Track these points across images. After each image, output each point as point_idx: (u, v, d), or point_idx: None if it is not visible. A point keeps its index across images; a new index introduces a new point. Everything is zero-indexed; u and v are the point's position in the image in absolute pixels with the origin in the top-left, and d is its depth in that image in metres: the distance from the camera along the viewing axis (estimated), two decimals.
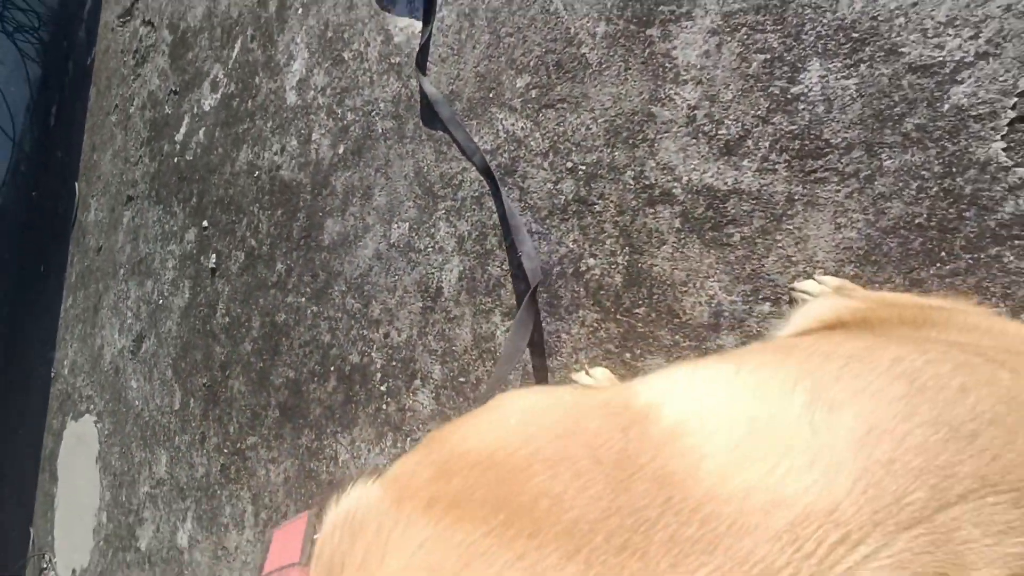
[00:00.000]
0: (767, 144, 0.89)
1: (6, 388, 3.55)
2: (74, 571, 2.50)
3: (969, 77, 0.73)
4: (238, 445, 1.71)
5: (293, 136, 1.72)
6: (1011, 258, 0.71)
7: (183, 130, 2.27)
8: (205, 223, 2.03)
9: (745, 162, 0.91)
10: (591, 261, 1.05)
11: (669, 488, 0.33)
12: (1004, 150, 0.71)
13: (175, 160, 2.27)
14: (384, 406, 1.33)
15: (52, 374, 3.00)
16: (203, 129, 2.15)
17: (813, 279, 0.85)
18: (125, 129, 2.73)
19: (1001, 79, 0.71)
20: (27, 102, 3.89)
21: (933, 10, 0.76)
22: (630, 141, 1.03)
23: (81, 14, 3.64)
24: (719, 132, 0.94)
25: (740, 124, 0.92)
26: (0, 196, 3.90)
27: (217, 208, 1.98)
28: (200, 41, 2.30)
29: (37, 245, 3.42)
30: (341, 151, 1.56)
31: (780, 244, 0.88)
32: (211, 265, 1.95)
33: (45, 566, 2.78)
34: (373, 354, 1.38)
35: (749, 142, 0.91)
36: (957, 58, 0.74)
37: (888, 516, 0.30)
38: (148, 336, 2.24)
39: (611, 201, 1.04)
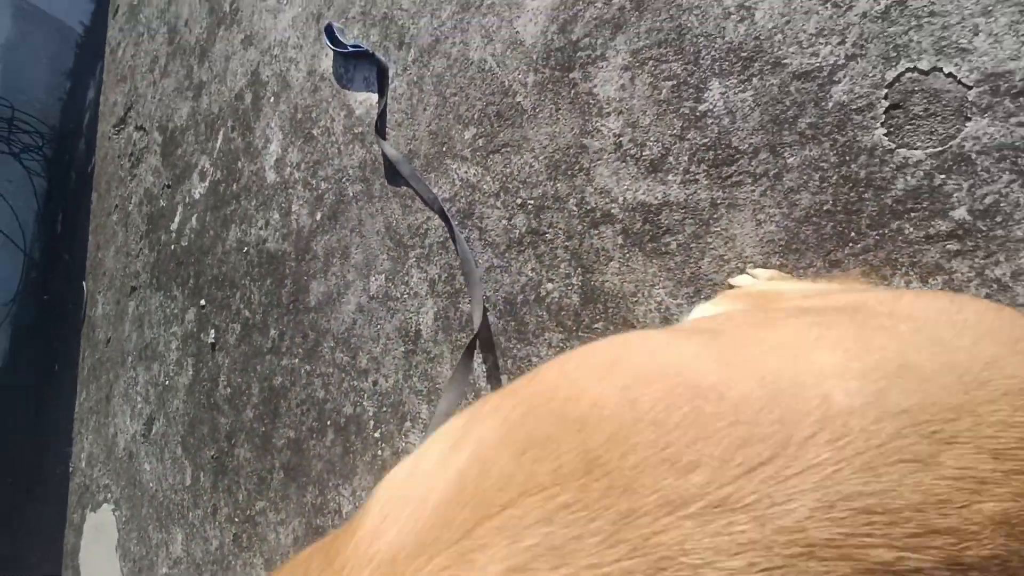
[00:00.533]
0: (686, 158, 0.94)
1: (27, 492, 3.49)
2: None
3: (844, 77, 0.79)
4: (248, 512, 1.68)
5: (275, 210, 1.78)
6: (911, 229, 0.75)
7: (177, 219, 2.34)
8: (203, 302, 2.06)
9: (670, 176, 0.96)
10: (549, 286, 1.09)
11: None
12: (886, 135, 0.76)
13: (172, 247, 2.33)
14: (379, 452, 1.33)
15: (70, 469, 2.96)
16: (195, 215, 2.22)
17: (746, 273, 0.88)
18: (125, 226, 2.81)
19: (871, 75, 0.77)
20: (35, 213, 4.00)
21: (804, 24, 0.83)
22: (569, 172, 1.09)
23: (80, 128, 3.81)
24: (644, 153, 0.99)
25: (660, 144, 0.97)
26: (15, 305, 3.95)
27: (212, 286, 2.02)
28: (187, 137, 2.41)
29: (50, 345, 3.44)
30: (319, 217, 1.61)
31: (712, 246, 0.91)
32: (211, 340, 1.97)
33: None
34: (365, 403, 1.39)
35: (671, 158, 0.96)
36: (831, 62, 0.80)
37: None
38: (158, 418, 2.24)
39: (560, 228, 1.08)
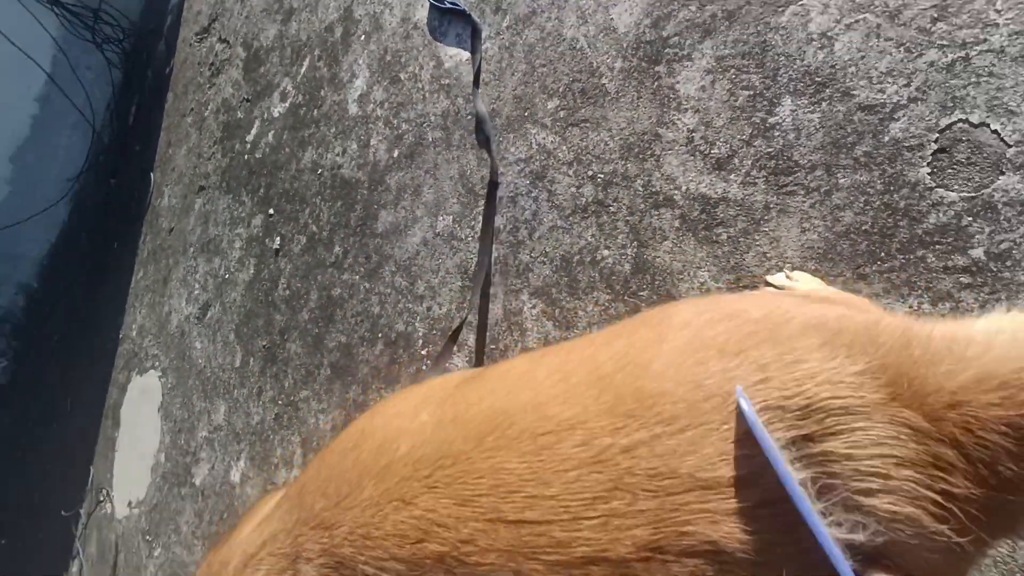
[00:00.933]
0: (749, 162, 1.03)
1: (77, 350, 3.72)
2: (130, 503, 2.64)
3: (903, 116, 0.88)
4: (291, 397, 1.85)
5: (354, 141, 1.88)
6: (932, 259, 0.85)
7: (254, 132, 2.44)
8: (271, 211, 2.18)
9: (732, 176, 1.05)
10: (605, 252, 1.20)
11: None
12: (929, 174, 0.86)
13: (245, 157, 2.44)
14: (424, 367, 1.47)
15: (120, 336, 3.16)
16: (272, 132, 2.31)
17: (783, 273, 0.99)
18: (200, 129, 2.91)
19: (927, 119, 0.86)
20: (109, 103, 4.09)
21: (876, 62, 0.91)
22: (640, 156, 1.18)
23: (161, 30, 3.84)
24: (712, 151, 1.08)
25: (728, 145, 1.07)
26: (80, 181, 4.10)
27: (282, 199, 2.14)
28: (271, 58, 2.47)
29: (112, 225, 3.60)
30: (396, 155, 1.71)
31: (758, 243, 1.02)
32: (275, 246, 2.10)
33: (102, 499, 2.92)
34: (416, 324, 1.52)
35: (735, 160, 1.05)
36: (894, 101, 0.89)
37: None
38: (214, 305, 2.40)
39: (623, 203, 1.19)
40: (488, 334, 1.36)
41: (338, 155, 1.93)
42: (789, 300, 0.51)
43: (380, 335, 1.61)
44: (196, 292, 2.55)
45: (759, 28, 1.06)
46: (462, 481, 0.42)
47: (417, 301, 1.54)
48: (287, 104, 2.28)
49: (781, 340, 0.39)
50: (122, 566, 2.59)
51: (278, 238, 2.10)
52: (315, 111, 2.10)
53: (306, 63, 2.24)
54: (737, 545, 0.33)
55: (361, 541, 0.46)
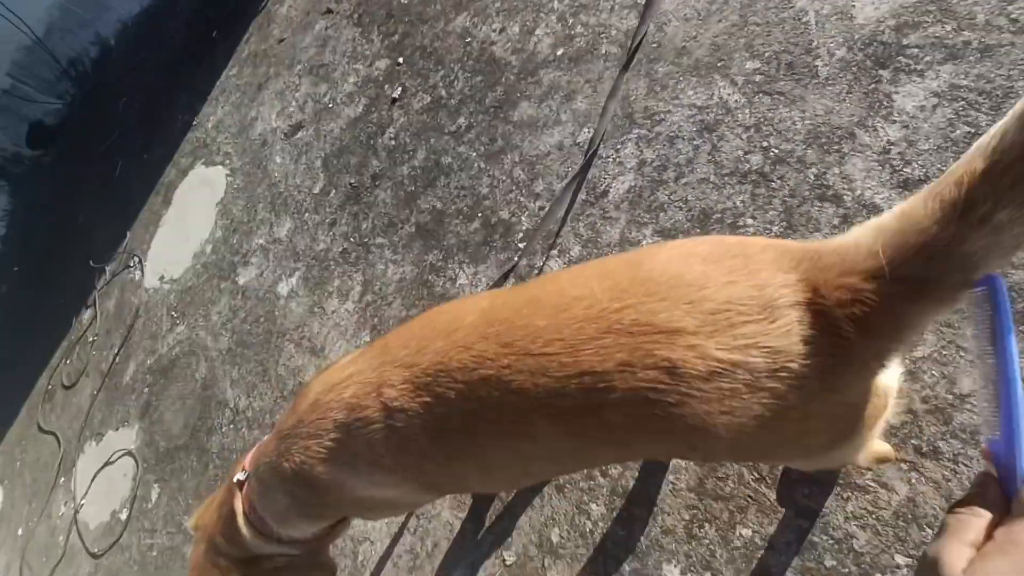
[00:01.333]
0: None
1: (138, 119, 3.63)
2: (162, 277, 2.67)
3: None
4: (366, 240, 1.85)
5: (517, 24, 1.78)
6: None
7: None
8: (400, 60, 2.09)
9: None
10: (749, 220, 1.17)
11: None
12: None
13: None
14: (514, 258, 1.47)
15: (194, 123, 3.08)
16: None
17: None
18: None
19: None
20: None
21: None
22: (825, 147, 1.14)
23: None
24: (904, 170, 1.05)
25: (924, 170, 1.03)
26: None
27: (417, 52, 2.04)
28: None
29: (218, 14, 3.42)
30: (559, 53, 1.63)
31: None
32: (393, 95, 2.02)
33: (132, 264, 2.95)
34: (522, 217, 1.50)
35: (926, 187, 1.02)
36: None
37: None
38: (307, 127, 2.33)
39: (787, 184, 1.15)
40: (595, 252, 1.35)
41: (495, 31, 1.82)
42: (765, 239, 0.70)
43: (480, 215, 1.59)
44: (291, 110, 2.47)
45: (1011, 72, 1.00)
46: (505, 333, 0.61)
47: (531, 197, 1.51)
48: None
49: (749, 255, 0.55)
50: (139, 330, 2.65)
51: (399, 88, 2.02)
52: None
53: None
54: (685, 364, 0.51)
55: (435, 371, 0.65)
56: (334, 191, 2.06)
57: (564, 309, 0.59)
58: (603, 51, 1.54)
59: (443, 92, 1.87)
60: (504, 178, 1.58)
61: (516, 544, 1.22)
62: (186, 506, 1.97)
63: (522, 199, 1.52)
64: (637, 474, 1.13)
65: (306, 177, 2.21)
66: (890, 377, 0.62)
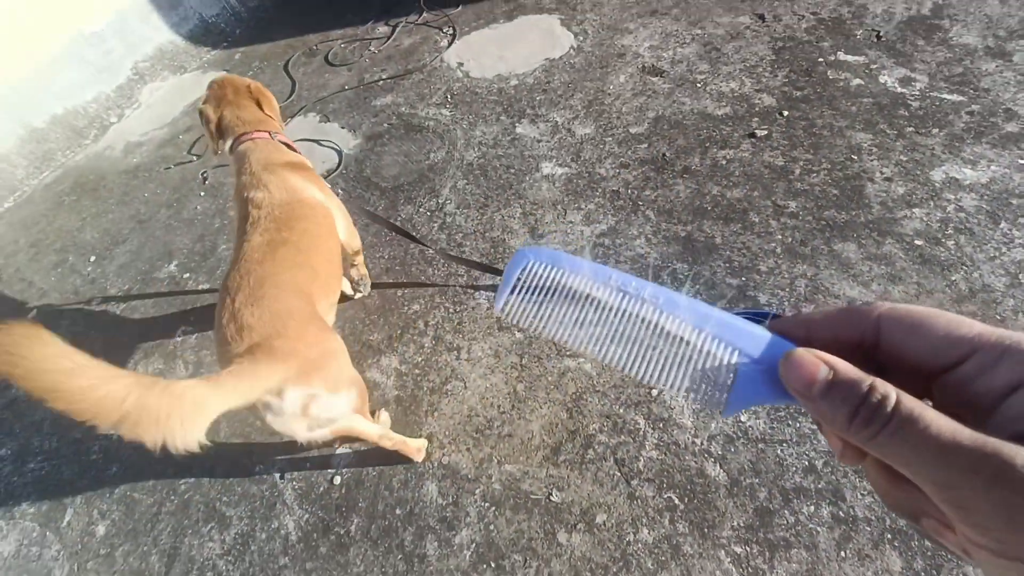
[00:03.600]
0: None
1: None
2: (461, 64, 2.93)
3: None
4: (639, 202, 1.99)
5: (905, 184, 1.80)
6: None
7: None
8: (785, 112, 2.14)
9: None
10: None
11: None
12: None
13: None
14: None
15: None
16: None
17: None
18: None
19: None
20: None
21: None
22: None
23: None
24: None
25: None
26: None
27: (803, 119, 2.09)
28: None
29: None
30: (917, 243, 1.66)
31: None
32: (756, 131, 2.10)
33: (446, 31, 3.23)
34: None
35: None
36: None
37: None
38: (666, 77, 2.45)
39: None
40: None
41: (881, 174, 1.85)
42: None
43: (742, 278, 1.70)
44: (655, 53, 2.58)
45: None
46: None
47: (793, 307, 1.60)
48: None
49: None
50: (414, 80, 2.94)
51: (766, 130, 2.09)
52: None
53: None
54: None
55: None
56: (646, 145, 2.19)
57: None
58: (953, 277, 1.57)
59: (797, 169, 1.94)
60: (786, 278, 1.67)
61: None
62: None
63: (784, 303, 1.62)
64: None
65: (635, 112, 2.35)
66: None
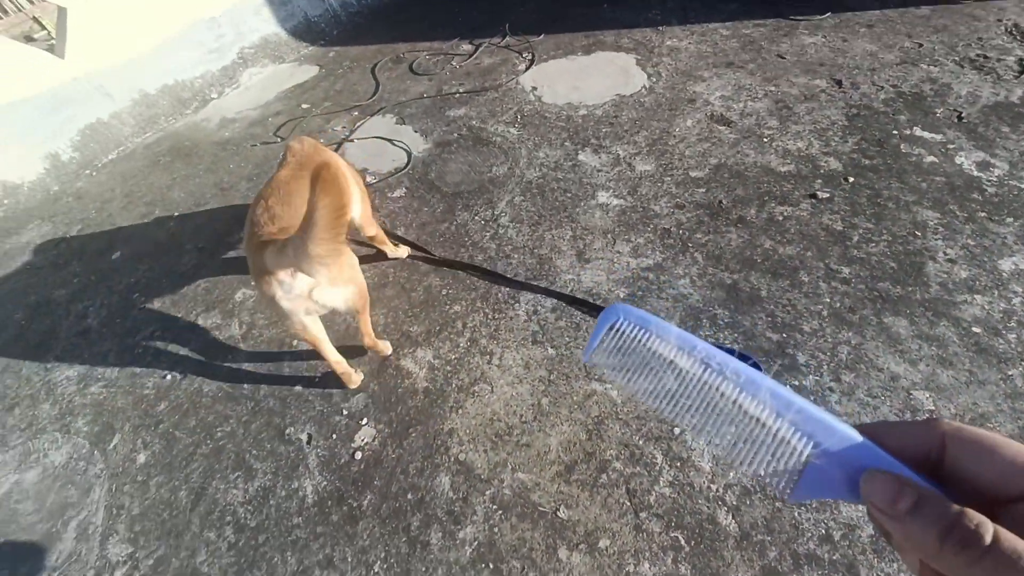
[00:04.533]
0: None
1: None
2: (535, 88, 3.05)
3: None
4: (688, 244, 2.00)
5: (968, 269, 1.74)
6: None
7: None
8: (851, 178, 2.11)
9: None
10: None
11: None
12: None
13: None
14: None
15: (660, 26, 3.31)
16: None
17: None
18: None
19: None
20: None
21: None
22: None
23: None
24: None
25: None
26: None
27: (868, 189, 2.05)
28: None
29: None
30: (973, 335, 1.60)
31: None
32: (818, 192, 2.08)
33: (525, 55, 3.37)
34: (805, 380, 1.57)
35: None
36: None
37: None
38: (735, 123, 2.47)
39: None
40: None
41: (945, 254, 1.80)
42: None
43: (783, 334, 1.68)
44: (727, 104, 2.61)
45: None
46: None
47: (827, 386, 1.57)
48: None
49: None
50: (488, 98, 3.08)
51: (828, 194, 2.07)
52: None
53: None
54: None
55: None
56: (704, 190, 2.21)
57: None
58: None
59: (855, 236, 1.90)
60: (828, 342, 1.64)
61: None
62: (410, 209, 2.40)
63: (824, 376, 1.58)
64: None
65: (697, 157, 2.37)
66: None
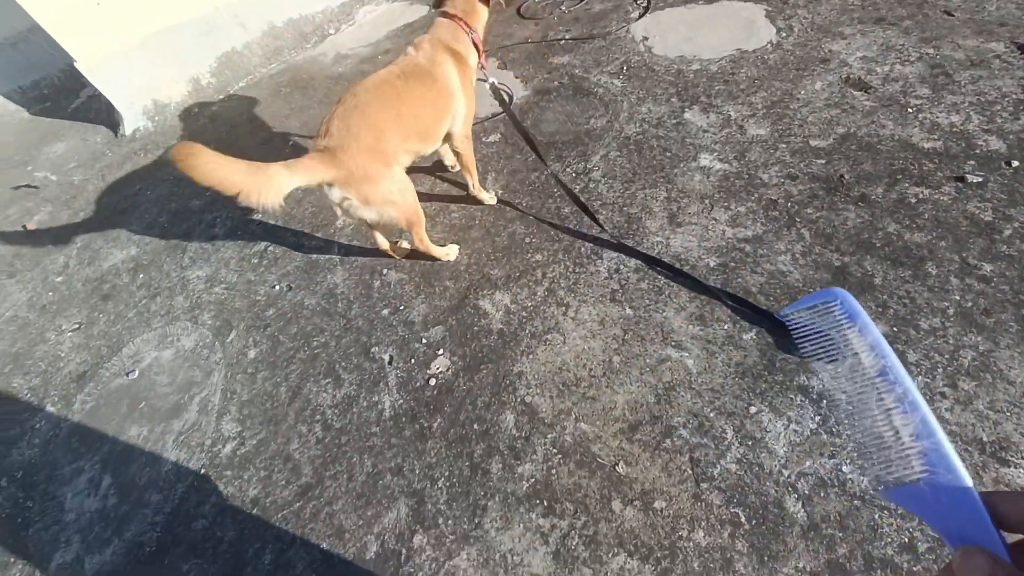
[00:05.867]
0: None
1: None
2: (645, 35, 2.81)
3: None
4: (796, 219, 1.79)
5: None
6: None
7: None
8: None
9: None
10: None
11: None
12: None
13: None
14: None
15: None
16: None
17: None
18: None
19: None
20: None
21: None
22: None
23: None
24: None
25: None
26: None
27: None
28: None
29: None
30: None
31: None
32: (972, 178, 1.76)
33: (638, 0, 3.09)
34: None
35: None
36: None
37: None
38: (872, 90, 2.13)
39: None
40: None
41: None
42: None
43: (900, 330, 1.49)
44: (867, 65, 2.22)
45: None
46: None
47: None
48: None
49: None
50: (598, 44, 2.89)
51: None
52: None
53: None
54: None
55: None
56: (824, 161, 1.95)
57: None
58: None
59: (1007, 231, 1.60)
60: (949, 344, 1.42)
61: None
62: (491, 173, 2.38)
63: (937, 379, 1.39)
64: None
65: (822, 124, 2.09)
66: None
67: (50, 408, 1.95)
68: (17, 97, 4.09)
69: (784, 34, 2.59)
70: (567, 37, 3.07)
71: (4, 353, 2.22)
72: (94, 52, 3.13)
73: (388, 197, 1.60)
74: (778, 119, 2.17)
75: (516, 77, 2.88)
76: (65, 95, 4.15)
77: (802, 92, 2.25)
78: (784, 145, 2.05)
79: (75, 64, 3.11)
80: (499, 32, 3.33)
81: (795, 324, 0.43)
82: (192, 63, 3.50)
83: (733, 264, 1.72)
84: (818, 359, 0.41)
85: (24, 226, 2.86)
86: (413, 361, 1.74)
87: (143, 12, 3.21)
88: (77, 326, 2.24)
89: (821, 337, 0.42)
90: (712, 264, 1.74)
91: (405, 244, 2.07)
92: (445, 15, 1.84)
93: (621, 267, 1.82)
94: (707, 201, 1.93)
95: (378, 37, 3.75)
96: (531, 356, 1.65)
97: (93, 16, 3.04)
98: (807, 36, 2.53)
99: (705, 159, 2.09)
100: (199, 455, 1.67)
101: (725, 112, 2.27)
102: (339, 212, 1.63)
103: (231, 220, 2.53)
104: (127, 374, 1.98)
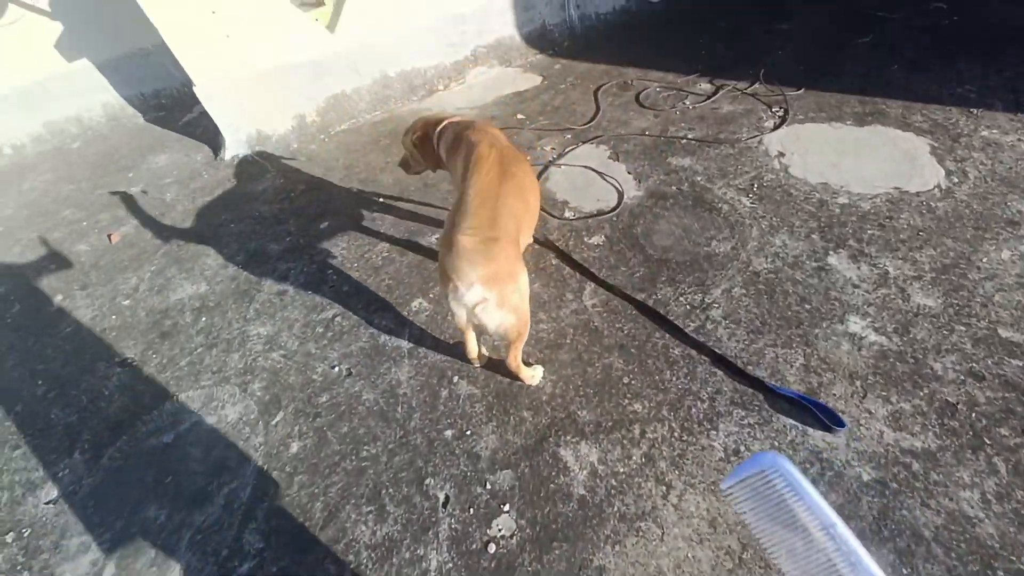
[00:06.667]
0: None
1: None
2: (782, 153, 2.59)
3: None
4: None
5: None
6: None
7: None
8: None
9: None
10: None
11: None
12: None
13: None
14: None
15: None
16: None
17: None
18: None
19: None
20: None
21: None
22: None
23: None
24: None
25: None
26: None
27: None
28: None
29: None
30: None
31: None
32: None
33: (780, 109, 2.91)
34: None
35: None
36: None
37: None
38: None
39: None
40: None
41: None
42: None
43: None
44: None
45: None
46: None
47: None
48: None
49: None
50: (727, 153, 2.70)
51: None
52: None
53: None
54: None
55: None
56: (1020, 363, 1.60)
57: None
58: None
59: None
60: None
61: None
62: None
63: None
64: None
65: (1016, 310, 1.74)
66: None
67: (78, 455, 1.86)
68: (138, 102, 4.44)
69: (956, 179, 2.29)
70: (689, 137, 2.91)
71: (53, 375, 2.19)
72: (213, 79, 3.31)
73: (518, 301, 1.42)
74: (953, 290, 1.84)
75: (629, 172, 2.73)
76: (180, 108, 4.46)
77: (984, 260, 1.92)
78: (963, 328, 1.72)
79: (193, 88, 3.29)
80: (615, 118, 3.23)
81: (740, 499, 0.52)
82: (302, 100, 3.64)
83: (896, 485, 1.38)
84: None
85: (109, 236, 2.96)
86: (472, 511, 1.50)
87: (267, 50, 3.38)
88: (129, 362, 2.19)
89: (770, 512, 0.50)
90: (866, 477, 1.41)
91: (485, 351, 1.88)
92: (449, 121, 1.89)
93: (742, 445, 1.53)
94: (858, 384, 1.62)
95: (485, 101, 3.77)
96: (618, 547, 1.37)
97: (220, 46, 3.22)
98: (986, 187, 2.22)
99: (855, 323, 1.79)
100: (211, 567, 1.49)
101: (881, 266, 1.97)
102: (461, 314, 1.39)
103: (304, 275, 2.47)
104: (162, 436, 1.87)
